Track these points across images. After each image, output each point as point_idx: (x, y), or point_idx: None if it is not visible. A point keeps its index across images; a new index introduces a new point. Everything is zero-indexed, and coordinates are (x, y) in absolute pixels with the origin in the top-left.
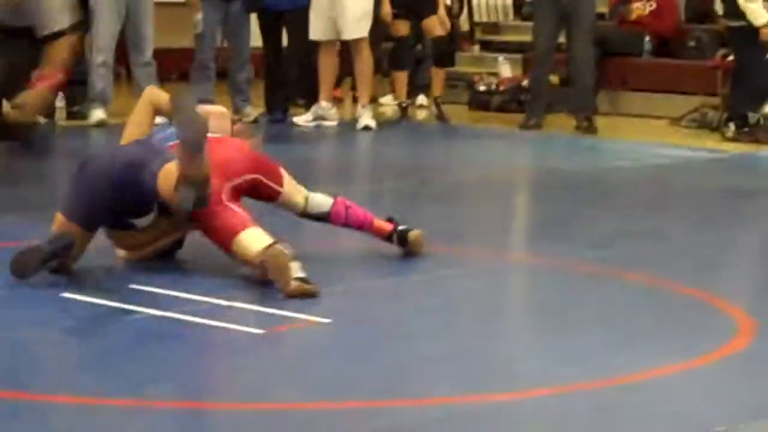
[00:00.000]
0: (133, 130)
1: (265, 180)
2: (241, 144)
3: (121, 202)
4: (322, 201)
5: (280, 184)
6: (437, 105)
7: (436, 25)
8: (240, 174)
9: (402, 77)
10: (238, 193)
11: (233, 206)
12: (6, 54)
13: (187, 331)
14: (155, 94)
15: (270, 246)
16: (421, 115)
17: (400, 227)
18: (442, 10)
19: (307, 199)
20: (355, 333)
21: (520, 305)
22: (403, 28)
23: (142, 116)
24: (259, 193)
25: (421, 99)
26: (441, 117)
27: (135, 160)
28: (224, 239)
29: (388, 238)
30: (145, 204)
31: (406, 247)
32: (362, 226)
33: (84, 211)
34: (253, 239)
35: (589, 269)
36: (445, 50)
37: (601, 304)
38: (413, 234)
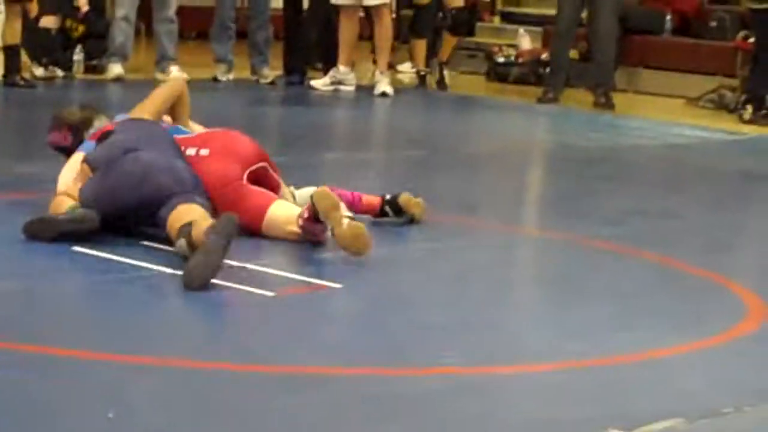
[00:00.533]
0: (146, 109)
1: (270, 170)
2: (243, 134)
3: (136, 216)
4: (309, 192)
5: (278, 175)
6: (440, 70)
7: None
8: (253, 162)
9: (421, 45)
10: (251, 181)
11: (254, 187)
12: None
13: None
14: (185, 92)
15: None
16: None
17: (388, 196)
18: None
19: (293, 194)
20: (363, 299)
21: (530, 278)
22: None
23: (165, 101)
24: (265, 182)
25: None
26: (441, 83)
27: (163, 188)
28: (254, 219)
29: (381, 212)
30: (154, 225)
31: (403, 214)
32: (353, 207)
33: (102, 208)
34: (284, 208)
35: (601, 245)
36: (463, 20)
37: (612, 280)
38: (403, 198)
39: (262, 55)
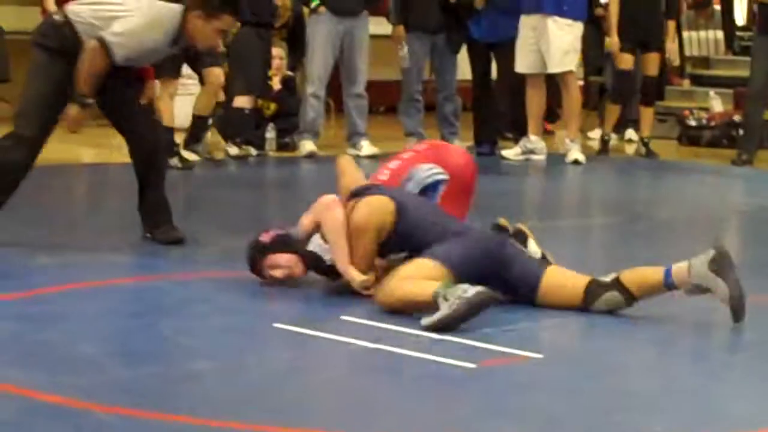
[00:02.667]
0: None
1: None
2: None
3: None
4: None
5: None
6: (646, 145)
7: (656, 64)
8: None
9: (615, 111)
10: None
11: None
12: None
13: (399, 364)
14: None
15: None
16: (630, 149)
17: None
18: (670, 44)
19: None
20: (567, 368)
21: (731, 343)
22: (627, 61)
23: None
24: None
25: (630, 133)
26: (651, 153)
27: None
28: None
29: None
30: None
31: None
32: None
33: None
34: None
35: None
36: (654, 89)
37: None
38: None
39: (451, 126)
